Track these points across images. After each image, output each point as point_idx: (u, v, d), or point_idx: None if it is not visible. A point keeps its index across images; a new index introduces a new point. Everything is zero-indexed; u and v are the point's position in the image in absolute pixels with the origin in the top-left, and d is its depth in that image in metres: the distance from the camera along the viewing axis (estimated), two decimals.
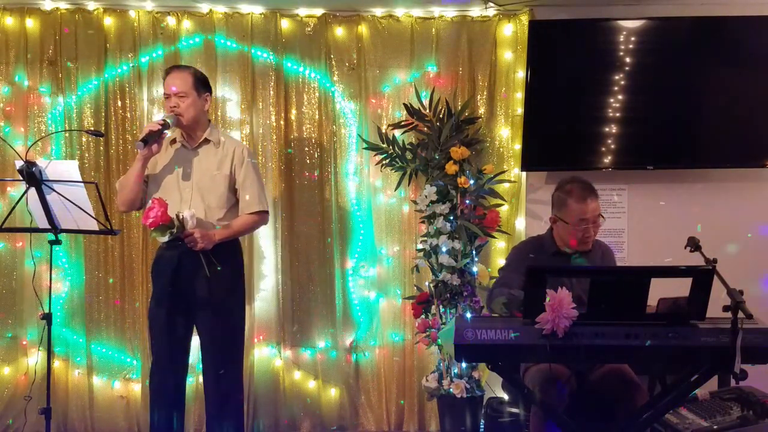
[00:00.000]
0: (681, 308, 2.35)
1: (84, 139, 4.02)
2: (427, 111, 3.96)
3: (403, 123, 4.00)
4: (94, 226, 3.06)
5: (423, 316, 3.84)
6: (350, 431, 4.11)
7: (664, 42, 3.92)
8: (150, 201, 3.02)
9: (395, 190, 4.03)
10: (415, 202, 3.97)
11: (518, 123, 4.05)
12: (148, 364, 3.96)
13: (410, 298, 3.95)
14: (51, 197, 2.99)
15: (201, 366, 3.26)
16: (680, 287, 2.31)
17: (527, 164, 4.02)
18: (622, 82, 3.92)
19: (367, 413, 4.13)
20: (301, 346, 4.13)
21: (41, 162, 2.96)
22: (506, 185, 4.02)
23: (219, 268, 3.08)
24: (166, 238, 3.03)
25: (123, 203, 3.24)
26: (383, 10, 4.08)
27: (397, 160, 3.92)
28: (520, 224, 4.14)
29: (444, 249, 3.75)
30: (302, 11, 4.07)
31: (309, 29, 4.07)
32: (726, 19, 3.91)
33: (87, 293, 4.04)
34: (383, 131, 3.98)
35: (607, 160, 3.99)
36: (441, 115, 3.91)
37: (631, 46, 3.90)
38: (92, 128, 3.94)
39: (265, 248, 4.10)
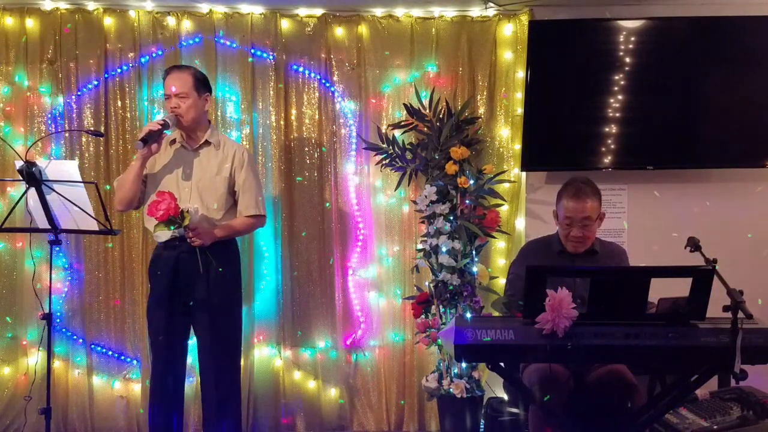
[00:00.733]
0: (681, 308, 2.35)
1: (84, 139, 4.02)
2: (427, 111, 3.96)
3: (403, 123, 4.00)
4: (94, 226, 3.06)
5: (423, 316, 3.84)
6: (350, 431, 4.11)
7: (664, 42, 3.92)
8: (156, 195, 3.01)
9: (395, 190, 4.03)
10: (415, 202, 3.97)
11: (518, 123, 4.05)
12: (147, 364, 3.97)
13: (410, 298, 3.95)
14: (51, 197, 2.99)
15: (199, 366, 3.26)
16: (680, 287, 2.32)
17: (527, 164, 4.02)
18: (622, 82, 3.92)
19: (367, 413, 4.13)
20: (301, 346, 4.13)
21: (41, 162, 2.97)
22: (506, 185, 4.02)
23: (220, 270, 3.08)
24: (168, 235, 3.04)
25: (120, 202, 3.23)
26: (383, 10, 4.08)
27: (397, 160, 3.92)
28: (520, 224, 4.14)
29: (444, 249, 3.75)
30: (302, 11, 4.07)
31: (309, 29, 4.07)
32: (726, 19, 3.91)
33: (87, 293, 4.04)
34: (383, 131, 3.98)
35: (607, 160, 3.99)
36: (441, 115, 3.91)
37: (631, 46, 3.90)
38: (92, 128, 3.95)
39: (265, 248, 4.10)
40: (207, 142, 3.22)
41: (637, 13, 3.96)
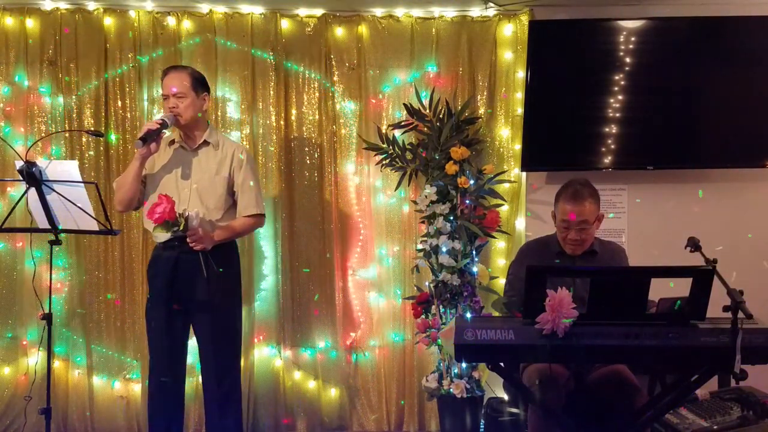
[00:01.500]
0: (681, 308, 2.35)
1: (84, 139, 4.02)
2: (427, 111, 3.96)
3: (403, 123, 4.00)
4: (94, 226, 3.06)
5: (423, 316, 3.84)
6: (350, 431, 4.11)
7: (664, 42, 3.92)
8: (157, 197, 3.02)
9: (395, 190, 4.03)
10: (415, 202, 3.97)
11: (518, 123, 4.05)
12: (147, 364, 3.97)
13: (410, 298, 3.95)
14: (51, 197, 2.99)
15: (199, 367, 3.26)
16: (680, 287, 2.32)
17: (527, 164, 4.02)
18: (622, 82, 3.92)
19: (367, 413, 4.13)
20: (301, 346, 4.13)
21: (41, 162, 2.96)
22: (506, 185, 4.02)
23: (221, 270, 3.09)
24: (167, 236, 3.04)
25: (120, 202, 3.23)
26: (383, 10, 4.08)
27: (397, 160, 3.92)
28: (520, 224, 4.14)
29: (444, 249, 3.75)
30: (302, 11, 4.07)
31: (309, 29, 4.07)
32: (726, 19, 3.91)
33: (87, 293, 4.04)
34: (383, 131, 3.98)
35: (607, 160, 3.99)
36: (441, 115, 3.91)
37: (631, 46, 3.90)
38: (92, 128, 3.94)
39: (265, 248, 4.10)
40: (206, 142, 3.22)
41: (637, 13, 3.96)
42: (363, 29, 4.07)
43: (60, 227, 3.06)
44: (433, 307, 3.82)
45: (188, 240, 3.01)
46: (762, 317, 2.36)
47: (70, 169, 3.01)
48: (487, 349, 2.30)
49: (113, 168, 4.02)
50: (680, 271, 2.32)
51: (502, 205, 4.01)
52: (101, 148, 4.02)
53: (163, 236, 3.08)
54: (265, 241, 4.10)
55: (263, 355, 4.10)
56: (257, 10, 4.04)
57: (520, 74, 4.05)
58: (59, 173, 2.96)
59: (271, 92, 4.06)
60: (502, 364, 2.55)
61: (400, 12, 4.08)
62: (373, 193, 4.15)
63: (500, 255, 4.12)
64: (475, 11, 4.09)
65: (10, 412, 3.98)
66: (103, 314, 4.05)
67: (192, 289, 3.12)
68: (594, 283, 2.32)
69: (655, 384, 2.96)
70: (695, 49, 3.92)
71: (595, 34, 3.96)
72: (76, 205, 2.97)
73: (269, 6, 4.03)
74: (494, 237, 3.91)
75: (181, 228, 2.97)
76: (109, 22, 4.01)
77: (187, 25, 4.04)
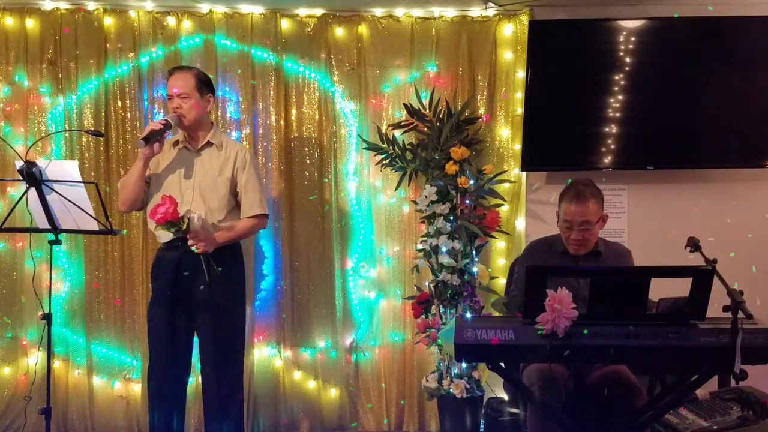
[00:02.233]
0: (681, 308, 2.35)
1: (84, 139, 4.02)
2: (427, 111, 3.96)
3: (403, 123, 4.00)
4: (94, 226, 3.06)
5: (423, 316, 3.84)
6: (350, 431, 4.11)
7: (664, 42, 3.92)
8: (160, 197, 3.02)
9: (395, 190, 4.03)
10: (415, 202, 3.97)
11: (518, 123, 4.05)
12: (147, 364, 3.97)
13: (410, 298, 3.95)
14: (51, 197, 2.99)
15: (200, 367, 3.26)
16: (680, 287, 2.32)
17: (527, 164, 4.02)
18: (622, 82, 3.92)
19: (367, 413, 4.13)
20: (301, 346, 4.13)
21: (41, 162, 2.96)
22: (506, 185, 4.02)
23: (219, 269, 3.08)
24: (169, 236, 3.05)
25: (124, 203, 3.23)
26: (383, 10, 4.08)
27: (397, 160, 3.92)
28: (520, 224, 4.14)
29: (444, 249, 3.75)
30: (302, 11, 4.07)
31: (309, 29, 4.07)
32: (726, 19, 3.91)
33: (87, 293, 4.04)
34: (383, 131, 3.98)
35: (607, 160, 3.99)
36: (441, 115, 3.91)
37: (631, 46, 3.90)
38: (92, 128, 3.94)
39: (265, 248, 4.10)
40: (209, 143, 3.22)
41: (637, 13, 3.96)
42: (363, 29, 4.07)
43: (60, 227, 3.07)
44: (433, 307, 3.82)
45: (189, 242, 3.01)
46: (762, 317, 2.36)
47: (70, 169, 3.01)
48: (487, 349, 2.30)
49: (113, 168, 4.02)
50: (680, 271, 2.32)
51: (502, 205, 4.01)
52: (101, 148, 4.02)
53: (165, 236, 3.09)
54: (265, 241, 4.10)
55: (263, 355, 4.10)
56: (257, 10, 4.04)
57: (520, 74, 4.05)
58: (59, 173, 2.96)
59: (271, 92, 4.06)
60: (502, 364, 2.55)
61: (400, 12, 4.08)
62: (373, 193, 4.15)
63: (500, 255, 4.12)
64: (475, 11, 4.09)
65: (10, 412, 3.98)
66: (103, 314, 4.05)
67: (194, 290, 3.12)
68: (594, 283, 2.32)
69: (655, 384, 2.96)
70: (695, 49, 3.92)
71: (595, 34, 3.96)
72: (76, 205, 2.97)
73: (269, 6, 4.03)
74: (494, 237, 3.91)
75: (183, 229, 2.98)
76: (109, 22, 4.01)
77: (187, 25, 4.04)
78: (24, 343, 4.04)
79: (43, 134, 4.00)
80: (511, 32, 4.07)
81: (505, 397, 3.76)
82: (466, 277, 3.79)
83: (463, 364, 3.73)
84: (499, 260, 4.12)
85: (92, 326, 4.04)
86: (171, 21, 4.03)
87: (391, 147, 3.91)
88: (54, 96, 4.01)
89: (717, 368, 2.39)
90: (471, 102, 4.03)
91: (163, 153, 3.17)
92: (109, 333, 4.05)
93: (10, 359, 4.04)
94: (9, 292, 4.03)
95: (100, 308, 4.05)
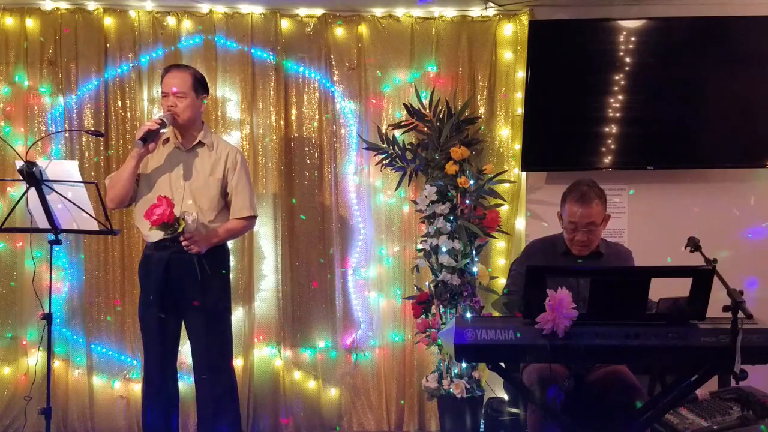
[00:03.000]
0: (681, 308, 2.35)
1: (84, 139, 4.02)
2: (427, 111, 3.96)
3: (403, 123, 4.00)
4: (94, 226, 3.06)
5: (423, 316, 3.84)
6: (350, 431, 4.11)
7: (664, 42, 3.92)
8: (153, 197, 3.03)
9: (395, 190, 4.03)
10: (415, 202, 3.97)
11: (518, 123, 4.05)
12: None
13: (410, 298, 3.95)
14: (51, 197, 2.99)
15: (193, 367, 3.26)
16: (680, 287, 2.32)
17: (527, 164, 4.02)
18: (622, 82, 3.92)
19: (367, 413, 4.12)
20: (301, 346, 4.13)
21: (41, 162, 2.97)
22: (506, 185, 4.01)
23: (209, 272, 3.09)
24: (159, 236, 3.05)
25: (112, 200, 3.22)
26: (383, 10, 4.08)
27: (397, 160, 3.92)
28: (520, 224, 4.14)
29: (444, 249, 3.75)
30: (302, 11, 4.07)
31: (309, 29, 4.07)
32: (726, 19, 3.91)
33: (87, 293, 4.04)
34: (383, 131, 3.98)
35: (608, 160, 3.99)
36: (441, 115, 3.91)
37: (631, 46, 3.90)
38: (92, 128, 3.94)
39: (265, 248, 4.10)
40: (200, 143, 3.22)
41: (637, 13, 3.96)
42: (363, 29, 4.07)
43: (60, 227, 3.07)
44: (433, 307, 3.82)
45: (183, 243, 3.01)
46: (762, 317, 2.36)
47: (70, 169, 3.01)
48: (487, 349, 2.30)
49: (113, 168, 4.01)
50: (680, 271, 2.32)
51: (502, 205, 4.01)
52: (101, 148, 4.02)
53: (156, 236, 3.09)
54: (265, 241, 4.10)
55: (263, 355, 4.10)
56: (257, 10, 4.04)
57: (520, 74, 4.05)
58: (59, 173, 2.97)
59: (271, 92, 4.06)
60: (502, 364, 2.55)
61: (400, 12, 4.08)
62: (373, 193, 4.15)
63: (500, 255, 4.12)
64: (475, 11, 4.09)
65: (10, 412, 3.98)
66: (103, 314, 4.05)
67: (184, 289, 3.12)
68: (594, 283, 2.32)
69: (655, 384, 2.96)
70: (695, 49, 3.92)
71: (595, 34, 3.96)
72: (76, 205, 2.97)
73: (269, 6, 4.03)
74: (494, 237, 3.91)
75: (180, 230, 2.98)
76: (109, 22, 4.01)
77: (187, 25, 4.04)
78: (24, 343, 4.04)
79: (43, 134, 4.00)
80: (511, 32, 4.07)
81: (505, 397, 3.76)
82: (466, 277, 3.79)
83: (463, 364, 3.73)
84: (499, 260, 4.12)
85: (92, 326, 4.04)
86: (171, 21, 4.03)
87: (391, 147, 3.91)
88: (54, 96, 4.01)
89: (717, 368, 2.39)
90: (471, 102, 4.03)
91: (154, 152, 3.16)
92: (109, 333, 4.05)
93: (10, 359, 4.04)
94: (9, 292, 4.03)
95: (100, 308, 4.05)
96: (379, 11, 4.08)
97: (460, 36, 4.06)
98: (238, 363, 3.89)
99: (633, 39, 3.90)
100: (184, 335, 3.27)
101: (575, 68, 3.96)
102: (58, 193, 2.97)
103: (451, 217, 3.79)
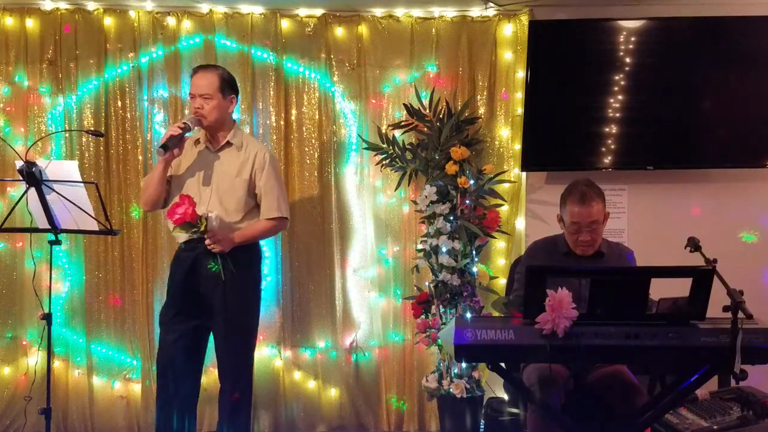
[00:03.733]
0: (681, 308, 2.35)
1: (84, 139, 4.02)
2: (427, 111, 3.96)
3: (403, 123, 4.00)
4: (94, 226, 3.06)
5: (423, 316, 3.84)
6: (350, 431, 4.11)
7: (664, 42, 3.92)
8: (178, 197, 3.03)
9: (395, 190, 4.03)
10: (415, 202, 3.97)
11: (518, 123, 4.05)
12: (148, 364, 3.98)
13: (410, 298, 3.95)
14: (51, 197, 2.99)
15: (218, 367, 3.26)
16: (680, 287, 2.32)
17: (527, 164, 4.02)
18: (622, 82, 3.92)
19: (367, 413, 4.12)
20: (301, 346, 4.13)
21: (41, 162, 2.97)
22: (506, 185, 4.01)
23: (233, 271, 3.08)
24: (186, 236, 3.07)
25: (146, 203, 3.25)
26: (383, 10, 4.07)
27: (397, 160, 3.92)
28: (520, 224, 4.14)
29: (444, 249, 3.75)
30: (302, 11, 4.07)
31: (309, 29, 4.07)
32: (726, 19, 3.91)
33: (87, 293, 4.04)
34: (383, 131, 3.98)
35: (607, 160, 3.99)
36: (441, 115, 3.91)
37: (631, 46, 3.90)
38: (92, 128, 3.94)
39: (266, 248, 4.09)
40: (228, 143, 3.21)
41: (637, 13, 3.96)
42: (363, 29, 4.07)
43: (60, 227, 3.07)
44: (433, 307, 3.82)
45: (206, 242, 3.02)
46: (762, 317, 2.36)
47: (70, 169, 3.01)
48: (487, 349, 2.30)
49: (113, 168, 4.02)
50: (680, 271, 2.32)
51: (502, 205, 4.01)
52: (101, 148, 4.02)
53: (183, 236, 3.11)
54: (265, 241, 4.08)
55: (263, 355, 4.09)
56: (257, 10, 4.04)
57: (520, 74, 4.05)
58: (59, 173, 2.97)
59: (271, 92, 4.06)
60: (502, 364, 2.55)
61: (400, 12, 4.08)
62: (373, 193, 4.14)
63: (500, 255, 4.12)
64: (475, 11, 4.09)
65: (10, 412, 3.98)
66: (103, 314, 4.05)
67: (209, 289, 3.12)
68: (594, 283, 2.32)
69: (655, 384, 2.96)
70: (695, 49, 3.92)
71: (595, 34, 3.96)
72: (76, 205, 2.97)
73: (269, 6, 4.03)
74: (494, 237, 3.91)
75: (201, 229, 2.99)
76: (109, 22, 4.01)
77: (187, 25, 4.04)
78: (24, 343, 4.04)
79: (43, 134, 3.99)
80: (511, 32, 4.07)
81: (505, 397, 3.76)
82: (466, 277, 3.79)
83: (463, 364, 3.73)
84: (499, 260, 4.12)
85: (92, 326, 4.04)
86: (171, 21, 4.03)
87: (391, 147, 3.91)
88: (54, 96, 4.01)
89: (717, 368, 2.38)
90: (471, 102, 4.03)
91: (184, 153, 3.17)
92: (109, 333, 4.05)
93: (10, 359, 4.04)
94: (9, 292, 4.03)
95: (100, 308, 4.05)
96: (379, 11, 4.08)
97: (460, 36, 4.06)
98: None
99: (633, 39, 3.90)
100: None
101: (575, 68, 3.96)
102: (58, 193, 2.97)
103: (451, 217, 3.79)
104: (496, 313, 3.09)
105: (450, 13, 4.08)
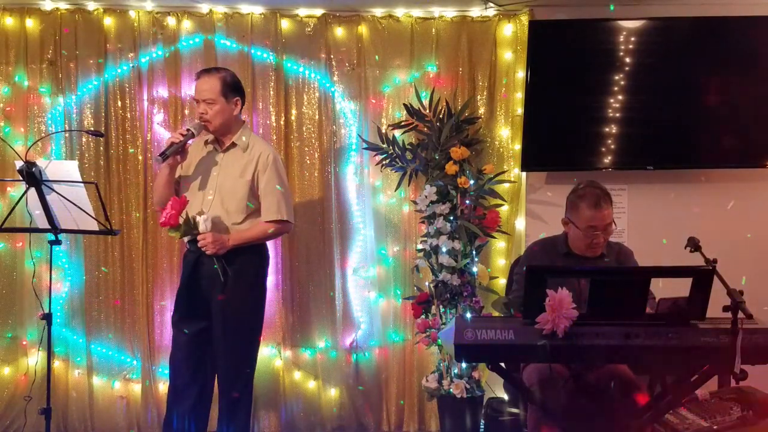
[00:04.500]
0: (681, 308, 2.35)
1: (84, 139, 4.02)
2: (427, 111, 3.96)
3: (403, 123, 4.00)
4: (94, 226, 3.06)
5: (423, 316, 3.84)
6: (350, 431, 4.11)
7: (665, 42, 3.92)
8: (171, 200, 3.06)
9: (395, 190, 4.03)
10: (415, 202, 3.97)
11: (518, 123, 4.05)
12: (148, 364, 3.98)
13: (410, 298, 3.95)
14: (51, 197, 2.99)
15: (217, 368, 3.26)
16: (681, 287, 2.32)
17: (527, 164, 4.02)
18: (622, 83, 3.92)
19: (367, 413, 4.12)
20: (301, 346, 4.13)
21: (41, 162, 2.97)
22: (506, 185, 4.01)
23: (229, 274, 3.08)
24: (179, 237, 3.12)
25: (157, 204, 3.27)
26: (383, 10, 4.07)
27: (397, 160, 3.92)
28: (520, 224, 4.14)
29: (444, 249, 3.75)
30: (302, 11, 4.07)
31: (309, 29, 4.07)
32: (726, 19, 3.91)
33: (87, 293, 4.04)
34: (383, 131, 3.98)
35: (607, 160, 3.99)
36: (441, 116, 3.91)
37: (631, 46, 3.90)
38: (92, 128, 3.94)
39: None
40: (234, 144, 3.21)
41: (637, 13, 3.96)
42: (363, 29, 4.07)
43: (60, 227, 3.07)
44: (433, 307, 3.82)
45: (198, 244, 3.03)
46: (762, 317, 2.36)
47: (70, 169, 3.01)
48: (487, 349, 2.30)
49: (113, 168, 4.02)
50: (680, 271, 2.32)
51: (502, 205, 4.01)
52: (101, 148, 4.02)
53: (186, 237, 3.13)
54: None
55: (263, 355, 4.07)
56: (257, 10, 4.04)
57: (520, 74, 4.05)
58: (59, 173, 2.97)
59: (271, 92, 4.06)
60: (502, 364, 2.55)
61: (400, 12, 4.08)
62: (373, 193, 4.15)
63: (500, 255, 4.12)
64: (475, 11, 4.09)
65: (10, 412, 3.98)
66: (103, 314, 4.05)
67: (211, 291, 3.13)
68: (594, 283, 2.32)
69: (655, 384, 2.96)
70: (695, 49, 3.92)
71: (595, 34, 3.96)
72: (75, 205, 2.97)
73: (269, 6, 4.03)
74: (494, 237, 3.91)
75: (188, 232, 3.02)
76: (109, 22, 4.01)
77: (187, 25, 4.03)
78: (24, 343, 4.04)
79: (43, 134, 3.99)
80: (511, 32, 4.07)
81: (505, 397, 3.76)
82: (466, 277, 3.79)
83: (463, 364, 3.73)
84: (499, 260, 4.12)
85: (92, 326, 4.04)
86: (171, 21, 4.03)
87: (391, 147, 3.91)
88: (54, 96, 4.01)
89: (717, 368, 2.39)
90: (471, 102, 4.03)
91: (194, 152, 3.17)
92: (109, 333, 4.05)
93: (10, 359, 4.04)
94: (9, 292, 4.03)
95: (100, 308, 4.05)
96: (378, 11, 4.08)
97: (460, 36, 4.06)
98: None
99: (633, 39, 3.90)
100: None
101: (575, 68, 3.96)
102: (58, 193, 2.97)
103: (451, 217, 3.79)
104: (496, 313, 3.10)
105: (450, 13, 4.08)
